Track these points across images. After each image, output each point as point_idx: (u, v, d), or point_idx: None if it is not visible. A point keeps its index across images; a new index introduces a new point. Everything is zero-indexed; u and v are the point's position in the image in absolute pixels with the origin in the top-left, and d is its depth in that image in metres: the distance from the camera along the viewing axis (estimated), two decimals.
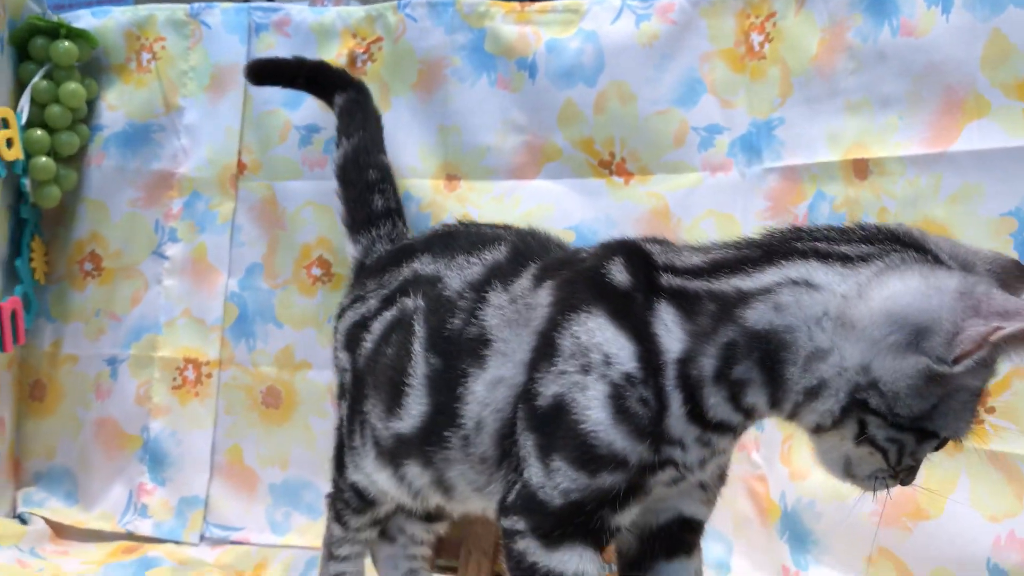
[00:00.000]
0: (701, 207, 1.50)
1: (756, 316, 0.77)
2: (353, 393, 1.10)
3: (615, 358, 0.80)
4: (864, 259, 0.75)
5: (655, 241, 0.89)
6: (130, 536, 1.67)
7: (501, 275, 0.94)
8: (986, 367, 0.73)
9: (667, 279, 0.82)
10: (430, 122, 1.65)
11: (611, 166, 1.56)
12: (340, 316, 1.18)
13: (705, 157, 1.52)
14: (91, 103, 1.75)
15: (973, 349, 0.70)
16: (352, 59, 1.70)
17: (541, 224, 1.54)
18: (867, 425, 0.76)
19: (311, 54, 1.72)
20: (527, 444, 0.84)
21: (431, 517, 1.22)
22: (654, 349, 0.80)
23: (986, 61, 1.09)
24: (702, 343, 0.79)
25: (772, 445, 1.38)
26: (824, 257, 0.76)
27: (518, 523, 0.85)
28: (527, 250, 0.98)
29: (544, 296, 0.88)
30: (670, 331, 0.80)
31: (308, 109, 1.70)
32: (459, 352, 0.92)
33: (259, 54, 1.73)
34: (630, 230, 1.50)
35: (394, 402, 0.98)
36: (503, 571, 0.90)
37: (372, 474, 1.07)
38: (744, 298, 0.78)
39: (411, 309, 1.00)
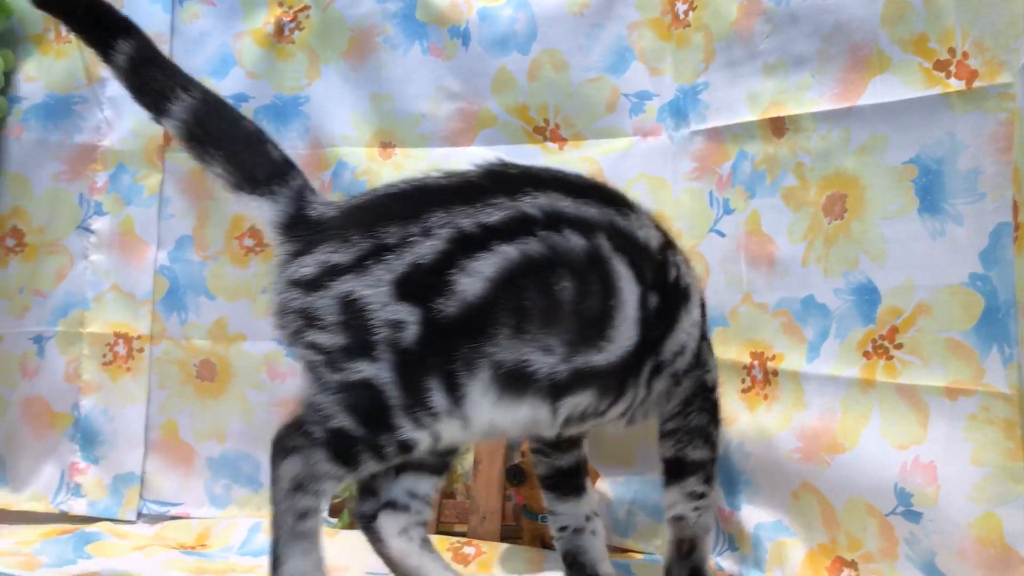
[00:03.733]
0: (633, 170, 1.65)
1: None
2: (430, 343, 1.09)
3: None
4: None
5: None
6: (64, 516, 1.75)
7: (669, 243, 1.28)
8: None
9: None
10: (363, 90, 1.76)
11: (545, 132, 1.70)
12: (356, 271, 1.10)
13: (636, 122, 1.67)
14: (8, 75, 1.81)
15: None
16: (279, 27, 1.80)
17: None
18: None
19: (237, 24, 1.82)
20: None
21: (441, 469, 1.29)
22: None
23: (885, 19, 1.26)
24: None
25: None
26: None
27: None
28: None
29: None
30: None
31: (236, 78, 1.80)
32: (675, 297, 1.24)
33: (184, 24, 1.83)
34: None
35: (586, 336, 1.14)
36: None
37: (482, 417, 1.12)
38: None
39: (579, 248, 1.14)
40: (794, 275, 1.40)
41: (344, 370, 1.08)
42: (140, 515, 1.76)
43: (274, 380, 1.78)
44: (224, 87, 1.79)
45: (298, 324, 1.11)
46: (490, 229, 1.11)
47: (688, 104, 1.60)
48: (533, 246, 1.11)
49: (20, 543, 1.58)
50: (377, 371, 1.07)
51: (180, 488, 1.78)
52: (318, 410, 1.08)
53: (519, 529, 1.60)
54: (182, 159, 1.81)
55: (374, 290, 1.08)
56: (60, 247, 1.82)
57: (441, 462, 1.26)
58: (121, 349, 1.80)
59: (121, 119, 1.82)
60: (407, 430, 1.09)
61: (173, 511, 1.76)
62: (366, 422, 1.08)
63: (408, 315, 1.08)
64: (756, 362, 1.45)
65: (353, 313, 1.08)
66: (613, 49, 1.68)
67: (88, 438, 1.79)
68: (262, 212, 1.16)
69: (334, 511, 1.65)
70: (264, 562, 1.48)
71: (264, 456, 1.73)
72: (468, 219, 1.10)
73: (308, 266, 1.11)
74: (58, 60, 1.83)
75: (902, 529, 1.22)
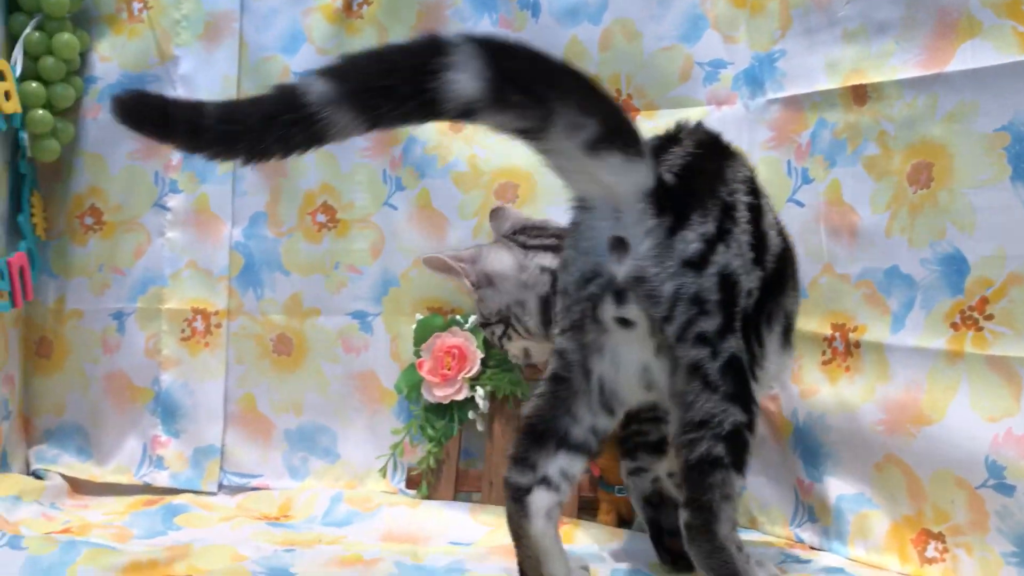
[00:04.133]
0: None
1: None
2: (760, 303, 1.13)
3: None
4: None
5: None
6: (147, 488, 1.80)
7: None
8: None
9: None
10: None
11: (618, 102, 1.69)
12: (723, 241, 1.07)
13: (710, 91, 1.66)
14: (83, 55, 1.85)
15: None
16: (348, 3, 1.81)
17: None
18: None
19: (306, 0, 1.83)
20: None
21: (595, 449, 1.22)
22: None
23: None
24: None
25: None
26: None
27: None
28: None
29: None
30: None
31: (306, 55, 1.82)
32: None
33: (253, 1, 1.84)
34: None
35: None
36: None
37: (770, 371, 1.19)
38: None
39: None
40: (877, 245, 1.39)
41: (719, 355, 1.06)
42: (221, 487, 1.81)
43: (348, 354, 1.81)
44: (294, 64, 1.82)
45: (690, 314, 1.05)
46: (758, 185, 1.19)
47: (764, 72, 1.59)
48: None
49: (108, 514, 1.63)
50: (737, 346, 1.07)
51: (259, 460, 1.82)
52: (711, 419, 1.06)
53: (595, 500, 1.62)
54: None
55: (741, 259, 1.08)
56: (137, 225, 1.86)
57: (597, 442, 1.18)
58: (199, 324, 1.84)
59: (194, 97, 1.85)
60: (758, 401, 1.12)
61: (253, 483, 1.81)
62: (746, 408, 1.08)
63: (756, 280, 1.11)
64: (837, 334, 1.44)
65: (728, 288, 1.06)
66: (686, 17, 1.66)
67: (169, 412, 1.84)
68: (631, 177, 1.03)
69: (412, 482, 1.68)
70: (348, 532, 1.54)
71: (340, 428, 1.80)
72: (746, 172, 1.17)
73: (693, 242, 1.05)
74: (131, 40, 1.86)
75: (993, 502, 1.22)
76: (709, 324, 1.05)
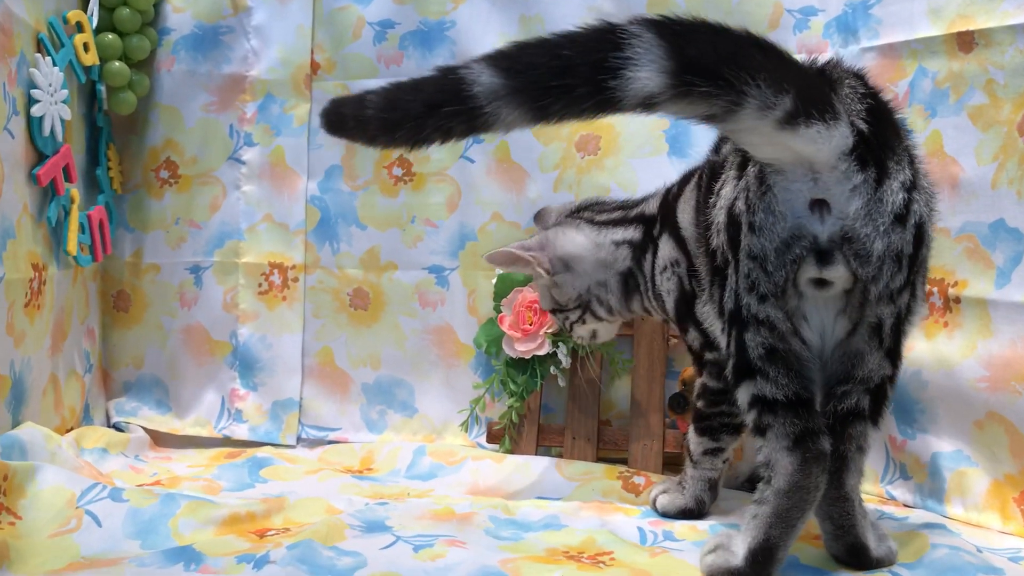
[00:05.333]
0: None
1: None
2: None
3: None
4: None
5: None
6: (227, 441, 1.83)
7: None
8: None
9: None
10: (510, 13, 1.75)
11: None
12: (916, 189, 1.04)
13: (800, 39, 1.62)
14: (157, 6, 1.84)
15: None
16: None
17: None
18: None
19: None
20: None
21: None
22: None
23: None
24: None
25: None
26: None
27: None
28: None
29: None
30: None
31: (381, 4, 1.80)
32: None
33: None
34: None
35: None
36: None
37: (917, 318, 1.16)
38: None
39: None
40: (982, 198, 1.36)
41: (897, 312, 1.06)
42: (299, 440, 1.83)
43: (425, 308, 1.81)
44: (369, 14, 1.80)
45: (892, 271, 1.02)
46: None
47: (858, 19, 1.55)
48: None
49: (193, 467, 1.66)
50: (906, 301, 1.07)
51: (337, 413, 1.84)
52: (870, 374, 1.08)
53: (679, 456, 1.62)
54: (329, 87, 1.83)
55: (928, 208, 1.06)
56: (212, 178, 1.87)
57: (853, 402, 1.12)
58: (276, 278, 1.85)
59: (268, 48, 1.84)
60: None
61: (331, 436, 1.83)
62: (894, 362, 1.11)
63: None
64: (935, 289, 1.42)
65: (919, 241, 1.04)
66: None
67: (247, 365, 1.85)
68: (831, 143, 0.97)
69: (493, 437, 1.69)
70: (435, 485, 1.55)
71: (417, 382, 1.80)
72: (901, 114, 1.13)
73: (897, 192, 1.01)
74: None
75: None
76: (898, 280, 1.03)
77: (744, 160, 1.07)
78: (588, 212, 1.47)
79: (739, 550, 1.08)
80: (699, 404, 1.36)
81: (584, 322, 1.46)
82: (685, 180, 1.35)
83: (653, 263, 1.37)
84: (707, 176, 1.20)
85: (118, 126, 1.87)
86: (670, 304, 1.35)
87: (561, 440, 1.67)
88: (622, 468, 1.55)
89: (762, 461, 1.08)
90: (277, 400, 1.84)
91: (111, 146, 1.83)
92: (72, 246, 1.61)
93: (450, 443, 1.76)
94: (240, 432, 1.84)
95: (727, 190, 1.09)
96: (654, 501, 1.40)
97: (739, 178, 1.07)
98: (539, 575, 1.10)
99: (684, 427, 1.58)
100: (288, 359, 1.85)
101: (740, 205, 1.05)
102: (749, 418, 1.08)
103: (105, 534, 1.23)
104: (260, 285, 1.85)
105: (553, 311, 1.49)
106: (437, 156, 1.80)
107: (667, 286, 1.35)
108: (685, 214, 1.30)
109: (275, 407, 1.84)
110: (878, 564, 1.13)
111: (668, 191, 1.39)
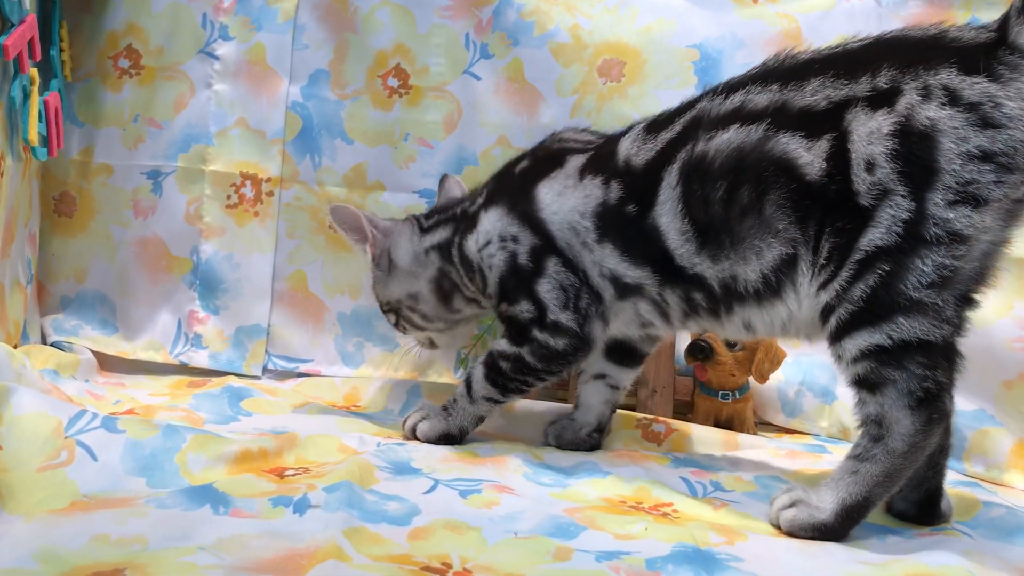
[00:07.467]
0: (834, 31, 1.56)
1: None
2: None
3: None
4: None
5: None
6: (182, 368, 1.66)
7: None
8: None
9: None
10: None
11: None
12: None
13: None
14: None
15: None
16: None
17: (661, 42, 1.59)
18: None
19: None
20: None
21: None
22: None
23: None
24: None
25: None
26: None
27: None
28: None
29: None
30: None
31: None
32: None
33: None
34: (758, 52, 1.56)
35: None
36: None
37: None
38: None
39: None
40: None
41: None
42: (265, 370, 1.68)
43: None
44: None
45: None
46: None
47: None
48: None
49: (156, 395, 1.50)
50: None
51: (309, 344, 1.70)
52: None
53: (691, 405, 1.58)
54: None
55: None
56: (180, 73, 1.67)
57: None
58: (248, 191, 1.68)
59: None
60: None
61: (301, 367, 1.69)
62: None
63: None
64: None
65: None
66: None
67: (209, 286, 1.68)
68: None
69: None
70: None
71: None
72: None
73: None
74: None
75: None
76: None
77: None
78: (426, 219, 1.44)
79: (827, 505, 1.05)
80: (504, 366, 1.31)
81: (405, 330, 1.45)
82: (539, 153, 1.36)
83: (464, 245, 1.34)
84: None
85: (71, 2, 1.63)
86: (493, 278, 1.32)
87: (567, 385, 1.60)
88: (642, 416, 1.49)
89: (869, 416, 1.04)
90: (242, 326, 1.68)
91: (63, 24, 1.60)
92: (33, 135, 1.40)
93: (443, 382, 1.65)
94: (199, 359, 1.67)
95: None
96: (413, 429, 1.35)
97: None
98: (622, 527, 1.03)
99: (703, 375, 1.54)
100: (256, 281, 1.68)
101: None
102: (857, 371, 1.04)
103: (102, 469, 1.08)
104: (229, 197, 1.68)
105: (382, 310, 1.46)
106: (437, 69, 1.66)
107: (492, 262, 1.31)
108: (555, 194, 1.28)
109: (239, 333, 1.68)
110: (941, 518, 1.13)
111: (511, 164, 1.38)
